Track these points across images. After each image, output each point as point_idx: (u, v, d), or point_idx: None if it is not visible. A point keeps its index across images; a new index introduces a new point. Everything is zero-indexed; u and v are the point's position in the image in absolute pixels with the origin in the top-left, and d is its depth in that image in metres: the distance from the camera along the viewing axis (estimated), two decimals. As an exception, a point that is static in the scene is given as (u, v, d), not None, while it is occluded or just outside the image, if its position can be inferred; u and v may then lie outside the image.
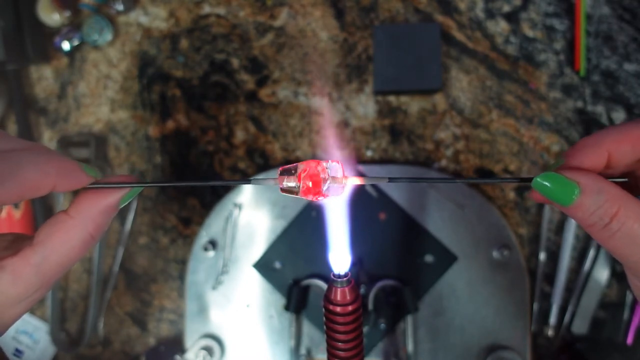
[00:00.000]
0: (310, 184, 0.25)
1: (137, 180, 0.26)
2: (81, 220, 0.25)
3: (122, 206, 0.26)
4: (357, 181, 0.26)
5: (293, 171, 0.26)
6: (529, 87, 0.47)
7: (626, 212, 0.22)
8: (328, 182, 0.26)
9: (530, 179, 0.23)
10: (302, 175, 0.26)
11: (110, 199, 0.26)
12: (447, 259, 0.47)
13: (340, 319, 0.26)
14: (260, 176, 0.49)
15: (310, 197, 0.26)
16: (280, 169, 0.26)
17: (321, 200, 0.26)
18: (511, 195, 0.48)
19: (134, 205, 0.53)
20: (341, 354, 0.26)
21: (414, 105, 0.49)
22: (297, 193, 0.26)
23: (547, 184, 0.23)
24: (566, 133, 0.47)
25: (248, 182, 0.26)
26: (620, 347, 0.46)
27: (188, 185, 0.27)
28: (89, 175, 0.26)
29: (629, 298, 0.46)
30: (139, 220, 0.53)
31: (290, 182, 0.26)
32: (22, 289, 0.25)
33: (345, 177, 0.26)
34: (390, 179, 0.26)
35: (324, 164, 0.26)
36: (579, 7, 0.46)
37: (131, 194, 0.27)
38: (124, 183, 0.26)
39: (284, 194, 0.26)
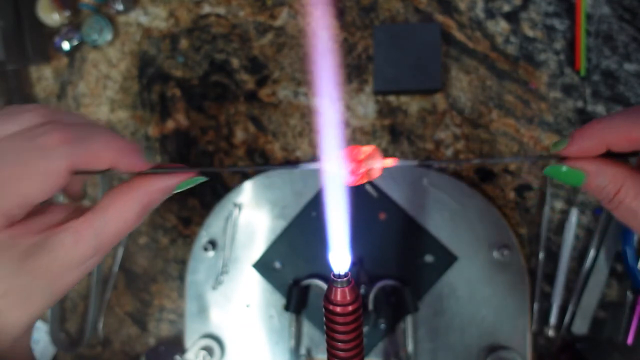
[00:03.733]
0: (352, 168, 0.28)
1: (194, 173, 0.29)
2: (140, 193, 0.27)
3: (177, 191, 0.29)
4: (391, 163, 0.28)
5: (336, 157, 0.29)
6: (529, 87, 0.47)
7: (626, 190, 0.25)
8: (367, 165, 0.28)
9: (549, 156, 0.27)
10: (345, 160, 0.29)
11: (169, 182, 0.28)
12: (447, 259, 0.47)
13: (340, 319, 0.26)
14: (263, 175, 0.49)
15: (353, 181, 0.28)
16: (322, 156, 0.29)
17: (361, 182, 0.29)
18: (511, 195, 0.48)
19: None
20: (341, 354, 0.26)
21: (414, 105, 0.49)
22: (340, 177, 0.28)
23: (557, 172, 0.27)
24: (566, 133, 0.47)
25: (295, 167, 0.29)
26: (620, 347, 0.46)
27: (241, 170, 0.29)
28: (146, 161, 0.28)
29: (629, 298, 0.46)
30: (139, 220, 0.53)
31: (334, 167, 0.29)
32: (82, 251, 0.26)
33: (381, 160, 0.28)
34: (420, 164, 0.29)
35: (363, 149, 0.28)
36: (579, 7, 0.46)
37: (188, 183, 0.29)
38: (179, 169, 0.28)
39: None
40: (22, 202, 0.25)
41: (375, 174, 0.29)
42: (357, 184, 0.29)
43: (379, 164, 0.28)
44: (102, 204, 0.27)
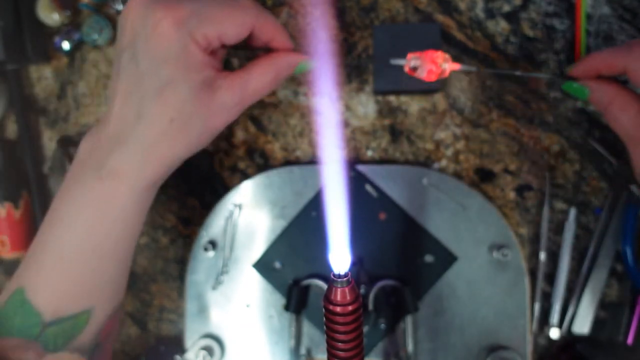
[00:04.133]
0: (430, 68, 0.38)
1: (306, 56, 0.38)
2: (275, 63, 0.36)
3: (296, 73, 0.37)
4: (456, 67, 0.39)
5: (418, 57, 0.39)
6: (529, 87, 0.47)
7: (613, 101, 0.35)
8: (441, 66, 0.38)
9: (562, 75, 0.38)
10: (425, 58, 0.38)
11: (294, 59, 0.37)
12: (447, 259, 0.47)
13: (340, 319, 0.26)
14: (263, 175, 0.49)
15: (430, 78, 0.38)
16: (409, 54, 0.39)
17: (435, 79, 0.39)
18: (511, 195, 0.48)
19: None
20: (341, 354, 0.26)
21: (414, 105, 0.49)
22: (419, 72, 0.39)
23: (570, 86, 0.38)
24: (566, 133, 0.47)
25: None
26: (620, 347, 0.46)
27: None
28: (292, 44, 0.37)
29: (628, 298, 0.46)
30: (139, 220, 0.53)
31: (417, 64, 0.38)
32: (232, 96, 0.34)
33: (451, 63, 0.38)
34: (477, 71, 0.44)
35: (439, 53, 0.38)
36: (579, 7, 0.46)
37: (302, 68, 0.37)
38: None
39: (410, 75, 0.39)
40: (219, 36, 0.33)
41: (446, 73, 0.39)
42: (433, 80, 0.39)
43: (449, 66, 0.38)
44: (248, 67, 0.35)
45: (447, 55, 0.38)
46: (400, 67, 0.48)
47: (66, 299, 0.35)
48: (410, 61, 0.39)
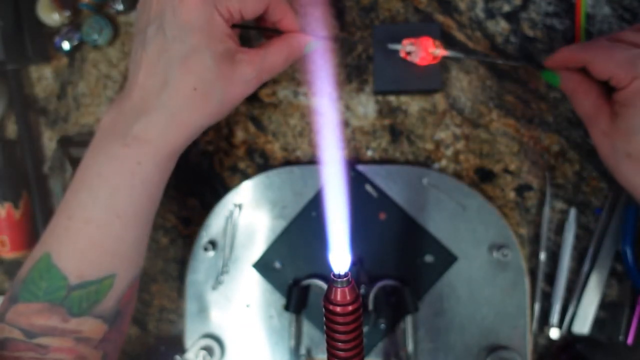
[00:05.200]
0: (423, 53, 0.42)
1: (311, 37, 0.40)
2: (288, 43, 0.39)
3: (305, 52, 0.40)
4: (446, 53, 0.43)
5: (413, 43, 0.43)
6: (529, 87, 0.47)
7: (578, 88, 0.39)
8: (432, 52, 0.42)
9: (538, 65, 0.45)
10: (419, 44, 0.42)
11: (302, 40, 0.39)
12: (447, 259, 0.47)
13: (340, 319, 0.26)
14: (263, 175, 0.49)
15: (423, 62, 0.43)
16: (405, 40, 0.43)
17: (427, 63, 0.43)
18: (511, 195, 0.48)
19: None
20: (341, 354, 0.26)
21: (414, 105, 0.49)
22: (413, 57, 0.43)
23: (547, 75, 0.41)
24: (566, 133, 0.47)
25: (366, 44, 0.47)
26: (620, 347, 0.46)
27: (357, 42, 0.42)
28: (299, 26, 0.40)
29: (628, 298, 0.46)
30: (139, 220, 0.53)
31: (411, 49, 0.43)
32: (250, 71, 0.36)
33: (441, 50, 0.43)
34: (465, 57, 0.46)
35: (431, 40, 0.42)
36: (580, 7, 0.46)
37: (308, 48, 0.40)
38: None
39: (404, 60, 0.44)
40: (240, 9, 0.35)
41: (437, 59, 0.43)
42: (425, 64, 0.43)
43: (439, 52, 0.42)
44: (264, 45, 0.38)
45: (438, 42, 0.43)
46: (400, 67, 0.48)
47: (91, 264, 0.36)
48: (405, 46, 0.43)
